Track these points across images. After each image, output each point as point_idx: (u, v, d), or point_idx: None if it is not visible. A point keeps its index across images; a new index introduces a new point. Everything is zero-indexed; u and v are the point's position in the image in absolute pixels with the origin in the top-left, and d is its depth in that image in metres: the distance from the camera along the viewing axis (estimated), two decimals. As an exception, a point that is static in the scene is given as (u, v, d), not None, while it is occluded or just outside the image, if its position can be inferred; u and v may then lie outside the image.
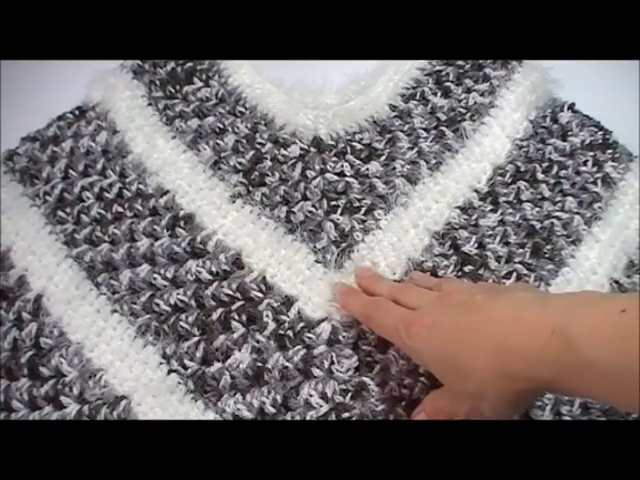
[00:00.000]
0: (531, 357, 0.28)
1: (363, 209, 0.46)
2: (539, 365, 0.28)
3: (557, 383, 0.28)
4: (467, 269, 0.44)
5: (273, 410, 0.39)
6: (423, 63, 0.52)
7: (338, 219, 0.45)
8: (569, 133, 0.49)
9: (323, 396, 0.40)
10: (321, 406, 0.39)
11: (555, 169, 0.47)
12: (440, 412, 0.36)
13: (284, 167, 0.47)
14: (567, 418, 0.39)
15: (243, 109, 0.50)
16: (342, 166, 0.47)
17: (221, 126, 0.49)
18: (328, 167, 0.47)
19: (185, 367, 0.41)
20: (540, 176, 0.47)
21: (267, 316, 0.42)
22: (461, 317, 0.32)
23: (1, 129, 0.49)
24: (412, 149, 0.48)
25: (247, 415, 0.39)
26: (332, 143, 0.48)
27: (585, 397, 0.29)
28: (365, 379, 0.40)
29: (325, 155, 0.48)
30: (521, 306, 0.30)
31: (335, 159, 0.48)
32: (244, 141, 0.48)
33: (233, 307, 0.42)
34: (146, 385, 0.40)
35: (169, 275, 0.43)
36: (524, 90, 0.50)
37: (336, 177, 0.47)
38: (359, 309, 0.40)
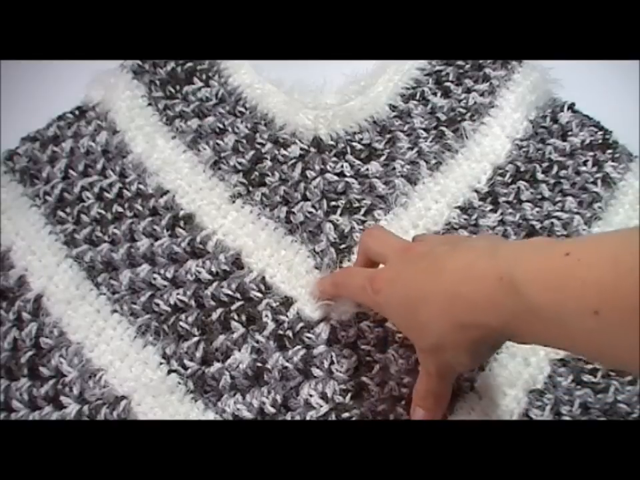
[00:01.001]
0: (480, 305, 0.28)
1: (363, 209, 0.46)
2: (488, 312, 0.28)
3: (507, 329, 0.28)
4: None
5: (272, 410, 0.39)
6: (422, 62, 0.52)
7: (338, 220, 0.45)
8: (569, 133, 0.49)
9: (323, 396, 0.40)
10: (321, 406, 0.39)
11: (555, 169, 0.47)
12: (424, 395, 0.36)
13: (284, 167, 0.47)
14: (567, 418, 0.40)
15: (243, 109, 0.50)
16: (342, 166, 0.47)
17: (221, 126, 0.49)
18: (328, 167, 0.47)
19: (185, 367, 0.41)
20: (540, 176, 0.47)
21: (267, 316, 0.42)
22: (419, 269, 0.32)
23: (1, 129, 0.49)
24: (412, 149, 0.48)
25: (246, 415, 0.39)
26: (332, 143, 0.48)
27: (535, 342, 0.28)
28: (364, 378, 0.40)
29: (324, 155, 0.48)
30: (473, 255, 0.30)
31: (334, 159, 0.48)
32: (244, 141, 0.48)
33: (233, 307, 0.42)
34: (146, 385, 0.40)
35: (168, 275, 0.43)
36: (524, 90, 0.50)
37: (336, 177, 0.47)
38: (329, 283, 0.41)
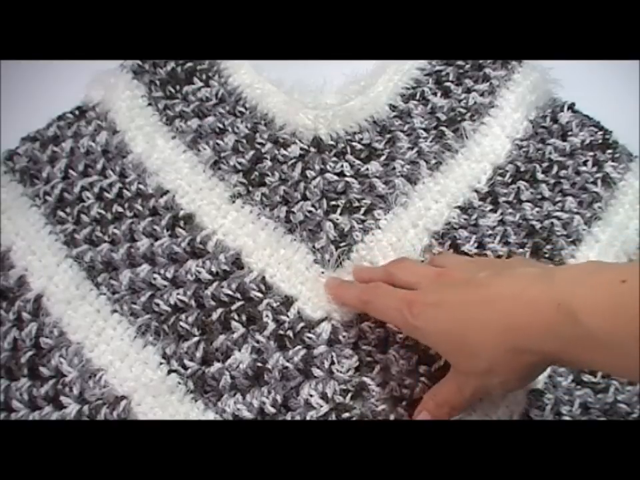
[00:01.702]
0: (538, 332, 0.29)
1: (363, 209, 0.46)
2: (546, 339, 0.28)
3: (563, 354, 0.28)
4: (466, 268, 0.44)
5: (273, 410, 0.39)
6: (422, 63, 0.52)
7: (337, 219, 0.45)
8: (569, 133, 0.49)
9: (323, 396, 0.40)
10: (321, 406, 0.39)
11: (555, 169, 0.47)
12: (442, 404, 0.36)
13: (284, 167, 0.47)
14: (567, 418, 0.40)
15: (242, 109, 0.50)
16: (342, 166, 0.47)
17: (221, 126, 0.49)
18: (328, 167, 0.47)
19: (185, 367, 0.41)
20: (540, 176, 0.47)
21: (267, 316, 0.42)
22: (465, 295, 0.32)
23: (1, 129, 0.49)
24: (412, 148, 0.48)
25: (246, 415, 0.39)
26: (332, 143, 0.48)
27: (590, 367, 0.30)
28: (365, 379, 0.40)
29: (324, 155, 0.48)
30: (525, 282, 0.30)
31: (334, 159, 0.48)
32: (244, 140, 0.48)
33: (233, 307, 0.42)
34: (146, 385, 0.40)
35: (168, 275, 0.43)
36: (524, 90, 0.50)
37: (336, 177, 0.47)
38: (356, 297, 0.39)
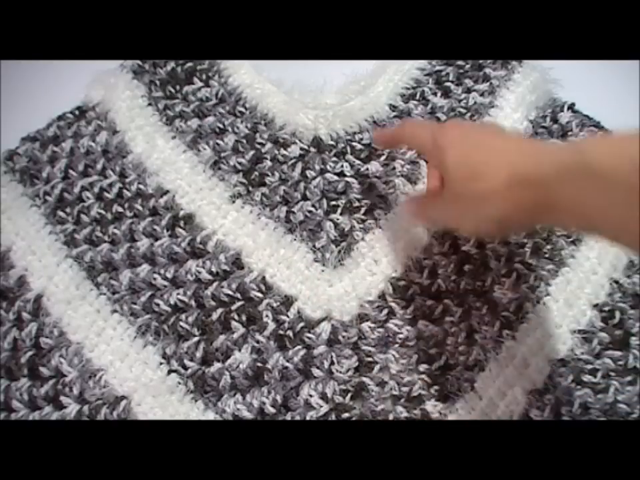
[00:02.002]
0: (544, 159, 0.30)
1: (363, 209, 0.46)
2: (547, 161, 0.30)
3: (559, 186, 0.29)
4: (466, 268, 0.44)
5: (272, 410, 0.39)
6: (423, 62, 0.52)
7: (338, 219, 0.45)
8: (569, 133, 0.49)
9: (323, 396, 0.40)
10: (321, 406, 0.39)
11: (555, 169, 0.47)
12: (430, 219, 0.41)
13: (284, 167, 0.47)
14: (567, 418, 0.40)
15: (243, 109, 0.50)
16: (342, 166, 0.47)
17: (221, 126, 0.49)
18: (328, 167, 0.47)
19: (185, 367, 0.41)
20: (540, 176, 0.47)
21: (267, 316, 0.42)
22: (492, 128, 0.36)
23: (1, 129, 0.49)
24: (411, 148, 0.48)
25: (246, 415, 0.39)
26: (332, 143, 0.48)
27: (575, 209, 0.29)
28: (364, 379, 0.40)
29: (324, 155, 0.48)
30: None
31: (334, 159, 0.48)
32: (244, 140, 0.48)
33: (233, 307, 0.42)
34: (146, 385, 0.40)
35: (169, 275, 0.43)
36: (524, 90, 0.50)
37: (336, 177, 0.47)
38: (394, 128, 0.44)
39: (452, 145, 0.35)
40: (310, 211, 0.46)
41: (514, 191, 0.31)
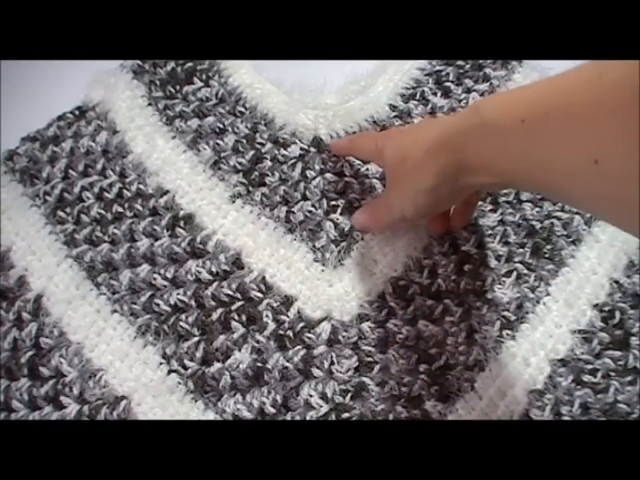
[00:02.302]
0: (449, 129, 0.34)
1: (363, 209, 0.46)
2: (453, 132, 0.33)
3: (466, 150, 0.33)
4: (466, 268, 0.44)
5: (272, 410, 0.39)
6: (422, 62, 0.52)
7: (338, 219, 0.45)
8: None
9: (323, 396, 0.40)
10: (321, 406, 0.39)
11: (555, 169, 0.47)
12: (370, 212, 0.44)
13: (284, 167, 0.47)
14: (567, 418, 0.40)
15: (243, 109, 0.50)
16: (342, 166, 0.47)
17: (221, 126, 0.49)
18: (328, 167, 0.47)
19: (185, 367, 0.41)
20: (540, 176, 0.47)
21: (267, 316, 0.42)
22: (423, 123, 0.41)
23: (1, 129, 0.49)
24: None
25: (246, 415, 0.39)
26: (332, 143, 0.48)
27: (483, 165, 0.33)
28: (364, 379, 0.40)
29: (324, 155, 0.48)
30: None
31: (334, 159, 0.48)
32: (244, 140, 0.48)
33: (233, 307, 0.42)
34: (146, 385, 0.40)
35: (169, 275, 0.43)
36: (524, 90, 0.50)
37: (336, 177, 0.47)
38: (346, 140, 0.47)
39: (389, 142, 0.39)
40: (310, 211, 0.46)
41: (433, 159, 0.35)
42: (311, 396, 0.40)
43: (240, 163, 0.47)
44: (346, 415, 0.39)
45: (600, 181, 0.26)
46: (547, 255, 0.45)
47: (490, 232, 0.45)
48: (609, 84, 0.25)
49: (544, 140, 0.28)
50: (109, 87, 0.50)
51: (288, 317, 0.42)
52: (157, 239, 0.45)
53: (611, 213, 0.28)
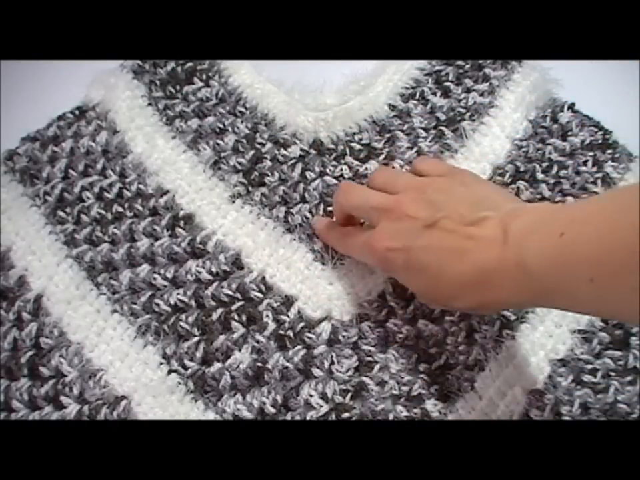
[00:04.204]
0: (506, 289, 0.32)
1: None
2: (511, 291, 0.32)
3: (528, 304, 0.34)
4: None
5: (273, 410, 0.39)
6: (422, 62, 0.52)
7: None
8: (569, 133, 0.49)
9: (323, 396, 0.40)
10: (321, 406, 0.39)
11: (555, 168, 0.47)
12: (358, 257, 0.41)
13: (284, 167, 0.47)
14: (567, 418, 0.40)
15: (243, 109, 0.50)
16: (341, 169, 0.47)
17: (221, 126, 0.49)
18: (327, 171, 0.47)
19: (185, 367, 0.41)
20: (540, 176, 0.47)
21: (267, 316, 0.42)
22: (429, 241, 0.34)
23: (1, 129, 0.49)
24: (411, 148, 0.48)
25: (247, 415, 0.39)
26: (332, 146, 0.48)
27: (555, 308, 0.34)
28: (364, 378, 0.40)
29: (324, 158, 0.48)
30: (488, 229, 0.33)
31: (334, 162, 0.48)
32: (244, 141, 0.48)
33: (233, 307, 0.42)
34: (146, 385, 0.40)
35: (169, 275, 0.43)
36: (524, 90, 0.50)
37: (335, 181, 0.47)
38: (334, 239, 0.43)
39: (397, 270, 0.37)
40: (308, 216, 0.46)
41: (483, 305, 0.34)
42: (311, 396, 0.40)
43: (240, 163, 0.47)
44: (346, 414, 0.39)
45: None
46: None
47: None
48: None
49: (621, 294, 0.27)
50: (109, 86, 0.50)
51: (288, 316, 0.42)
52: (157, 239, 0.45)
53: None
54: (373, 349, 0.41)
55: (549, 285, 0.30)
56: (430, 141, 0.48)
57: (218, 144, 0.48)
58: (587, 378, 0.41)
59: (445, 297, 0.35)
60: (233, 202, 0.46)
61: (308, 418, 0.39)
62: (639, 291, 0.25)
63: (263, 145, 0.48)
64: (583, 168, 0.47)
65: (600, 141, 0.48)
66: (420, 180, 0.39)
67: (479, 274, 0.33)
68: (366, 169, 0.47)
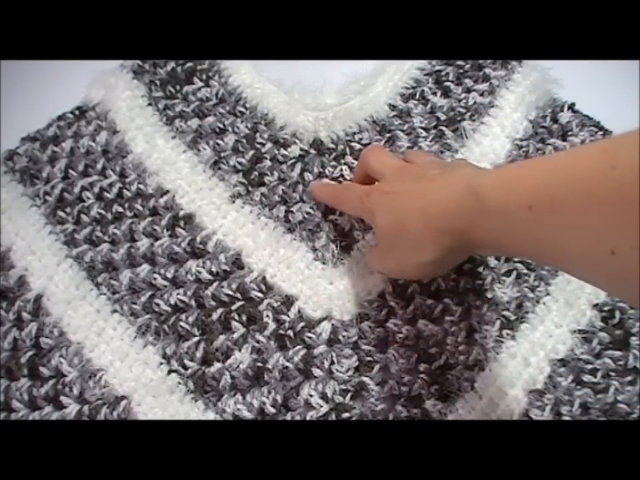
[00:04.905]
0: (450, 210, 0.33)
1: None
2: (455, 215, 0.33)
3: (471, 232, 0.33)
4: (466, 267, 0.44)
5: (273, 410, 0.39)
6: (422, 62, 0.52)
7: (337, 219, 0.45)
8: (569, 133, 0.49)
9: (323, 396, 0.40)
10: (321, 406, 0.39)
11: (555, 168, 0.47)
12: (374, 261, 0.42)
13: (283, 167, 0.47)
14: (567, 418, 0.40)
15: (243, 109, 0.50)
16: (341, 170, 0.47)
17: (221, 126, 0.49)
18: (326, 171, 0.47)
19: (185, 367, 0.41)
20: (540, 176, 0.47)
21: (267, 316, 0.42)
22: (412, 186, 0.37)
23: (1, 129, 0.49)
24: (411, 148, 0.48)
25: (247, 415, 0.39)
26: (332, 146, 0.48)
27: (488, 245, 0.33)
28: (364, 378, 0.40)
29: (324, 158, 0.48)
30: (457, 177, 0.35)
31: (334, 162, 0.48)
32: (244, 140, 0.48)
33: (233, 307, 0.42)
34: (146, 385, 0.40)
35: (169, 275, 0.43)
36: (524, 90, 0.50)
37: (334, 180, 0.47)
38: (328, 193, 0.45)
39: (379, 205, 0.38)
40: (308, 213, 0.46)
41: (436, 236, 0.34)
42: (311, 396, 0.40)
43: (240, 163, 0.47)
44: (346, 414, 0.39)
45: (617, 269, 0.26)
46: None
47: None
48: (624, 175, 0.24)
49: (554, 227, 0.28)
50: (109, 86, 0.50)
51: (288, 316, 0.42)
52: (157, 239, 0.45)
53: (628, 295, 0.28)
54: (373, 348, 0.41)
55: (490, 207, 0.31)
56: (430, 141, 0.48)
57: (218, 144, 0.48)
58: (587, 378, 0.41)
59: (403, 237, 0.36)
60: (233, 202, 0.46)
61: (308, 418, 0.39)
62: (577, 225, 0.26)
63: (263, 144, 0.48)
64: (583, 168, 0.47)
65: (600, 141, 0.48)
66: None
67: (429, 202, 0.35)
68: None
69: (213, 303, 0.43)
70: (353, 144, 0.48)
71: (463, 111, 0.49)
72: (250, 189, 0.47)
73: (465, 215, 0.32)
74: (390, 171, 0.40)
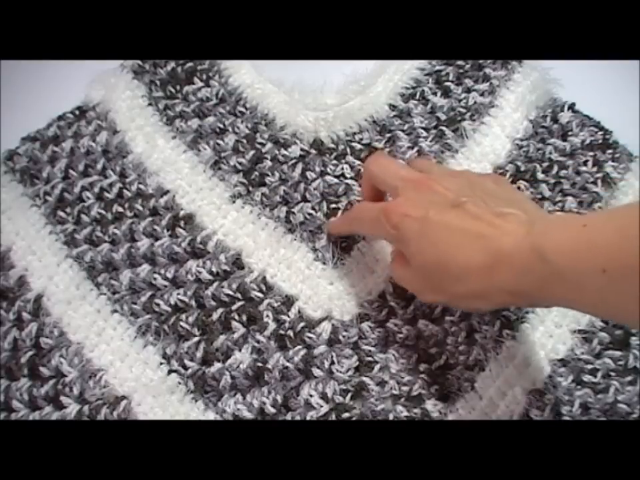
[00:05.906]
0: (518, 271, 0.31)
1: (363, 209, 0.46)
2: (522, 280, 0.31)
3: (537, 293, 0.31)
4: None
5: (273, 410, 0.39)
6: (422, 62, 0.52)
7: (338, 219, 0.46)
8: (569, 133, 0.49)
9: (323, 396, 0.40)
10: (321, 406, 0.39)
11: (555, 168, 0.47)
12: (401, 280, 0.39)
13: (284, 167, 0.47)
14: (567, 418, 0.40)
15: (243, 109, 0.50)
16: (342, 169, 0.47)
17: (221, 126, 0.49)
18: (328, 170, 0.47)
19: (185, 367, 0.41)
20: (540, 176, 0.47)
21: (268, 316, 0.42)
22: (451, 219, 0.34)
23: (1, 129, 0.49)
24: (412, 148, 0.48)
25: (247, 415, 0.39)
26: (332, 146, 0.48)
27: (557, 304, 0.33)
28: (364, 378, 0.40)
29: (325, 158, 0.48)
30: (510, 225, 0.33)
31: (335, 162, 0.48)
32: (244, 141, 0.48)
33: (233, 307, 0.42)
34: (146, 385, 0.40)
35: (169, 275, 0.43)
36: (524, 90, 0.50)
37: (336, 180, 0.47)
38: (342, 221, 0.44)
39: (409, 235, 0.35)
40: (310, 214, 0.46)
41: (502, 297, 0.33)
42: (311, 396, 0.40)
43: (240, 163, 0.47)
44: (346, 414, 0.39)
45: None
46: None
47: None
48: None
49: (630, 290, 0.27)
50: (109, 86, 0.50)
51: (289, 316, 0.42)
52: (157, 239, 0.45)
53: None
54: (373, 348, 0.41)
55: (560, 270, 0.29)
56: (430, 141, 0.48)
57: (218, 144, 0.48)
58: (587, 378, 0.41)
59: (448, 277, 0.34)
60: (234, 202, 0.46)
61: (308, 418, 0.39)
62: None
63: (263, 144, 0.48)
64: (583, 168, 0.47)
65: (600, 141, 0.48)
66: (455, 170, 0.40)
67: (492, 257, 0.32)
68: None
69: (213, 303, 0.43)
70: (353, 144, 0.48)
71: (463, 110, 0.49)
72: (250, 189, 0.47)
73: (535, 279, 0.31)
74: (403, 184, 0.37)
